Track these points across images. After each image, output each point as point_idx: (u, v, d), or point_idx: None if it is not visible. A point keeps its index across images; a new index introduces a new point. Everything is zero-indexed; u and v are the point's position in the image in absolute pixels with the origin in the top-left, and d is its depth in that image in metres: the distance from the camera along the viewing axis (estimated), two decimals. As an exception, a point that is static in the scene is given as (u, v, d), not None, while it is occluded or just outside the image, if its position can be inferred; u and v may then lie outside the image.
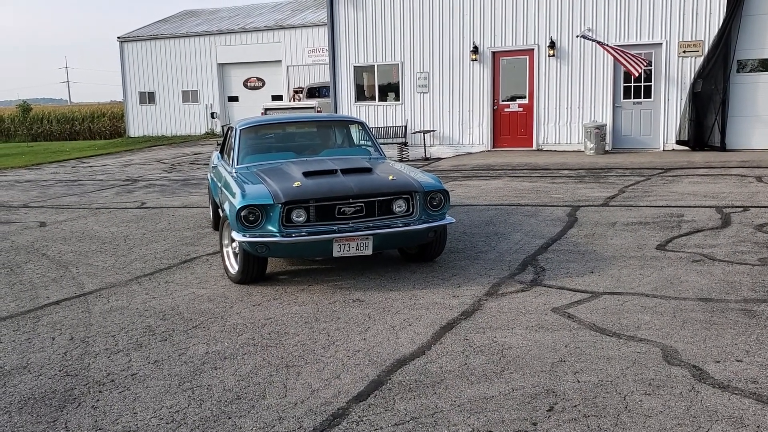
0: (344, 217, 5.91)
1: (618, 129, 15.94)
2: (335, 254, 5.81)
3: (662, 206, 9.23)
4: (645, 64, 14.90)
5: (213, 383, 4.06)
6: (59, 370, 4.36)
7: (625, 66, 14.89)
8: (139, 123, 31.40)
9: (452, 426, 3.43)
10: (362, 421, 3.52)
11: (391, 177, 6.19)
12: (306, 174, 6.21)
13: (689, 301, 5.26)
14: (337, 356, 4.42)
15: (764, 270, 6.03)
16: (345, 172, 6.30)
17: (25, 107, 38.66)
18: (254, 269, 6.10)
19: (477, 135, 17.21)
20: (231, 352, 4.57)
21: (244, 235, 5.77)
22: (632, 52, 14.89)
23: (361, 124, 8.18)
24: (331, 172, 6.30)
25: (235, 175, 6.77)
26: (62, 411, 3.77)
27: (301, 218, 5.82)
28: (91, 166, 19.13)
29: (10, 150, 27.62)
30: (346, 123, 8.59)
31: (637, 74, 14.93)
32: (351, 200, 5.89)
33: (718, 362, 4.09)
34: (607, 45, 15.24)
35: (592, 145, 15.39)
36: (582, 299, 5.43)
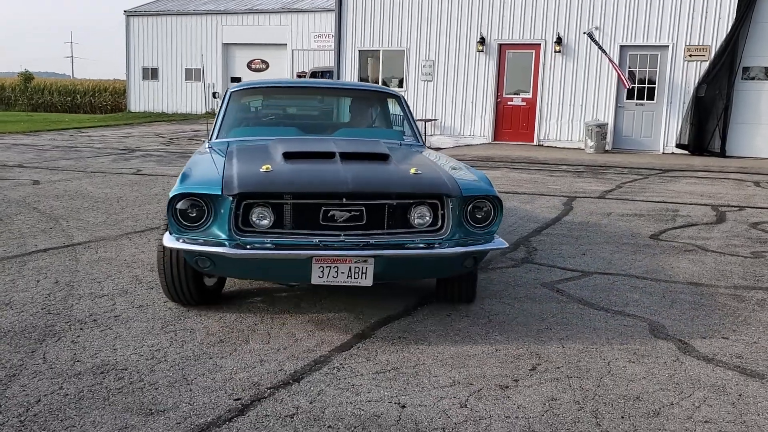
0: (333, 225, 3.91)
1: (619, 129, 15.93)
2: (315, 280, 3.88)
3: (658, 201, 9.22)
4: (629, 84, 15.38)
5: (197, 327, 4.03)
6: (41, 308, 4.32)
7: (618, 73, 15.17)
8: (141, 98, 31.26)
9: (433, 377, 3.40)
10: (343, 367, 3.49)
11: (413, 170, 4.20)
12: (287, 155, 4.30)
13: (679, 284, 5.25)
14: (323, 311, 4.39)
15: (756, 262, 6.01)
16: (347, 157, 4.35)
17: (26, 76, 38.46)
18: (187, 286, 4.26)
19: (479, 127, 17.17)
20: (217, 301, 4.53)
21: (178, 239, 3.93)
22: (623, 71, 15.38)
23: (398, 98, 6.10)
24: (325, 156, 4.36)
25: (203, 151, 5.10)
26: (41, 344, 3.73)
27: (265, 221, 3.89)
28: (89, 136, 19.03)
29: (9, 118, 27.47)
30: (376, 95, 6.34)
31: (626, 87, 15.40)
32: (344, 200, 3.89)
33: (705, 338, 4.08)
34: (606, 54, 15.32)
35: (592, 144, 15.36)
36: (572, 277, 5.41)
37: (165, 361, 3.53)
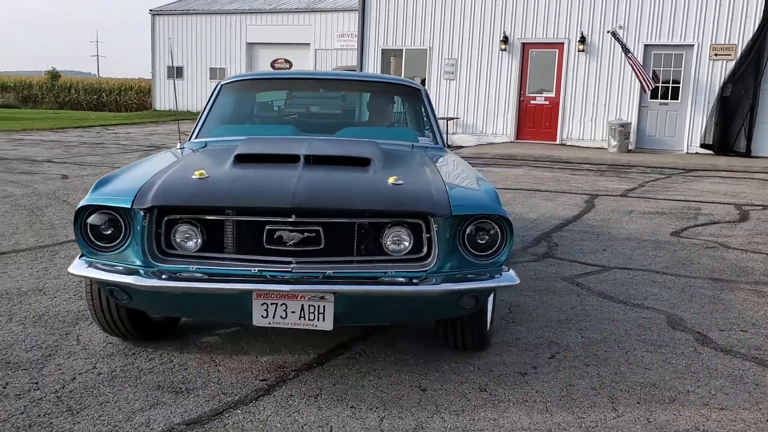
0: (282, 250, 3.06)
1: (642, 128, 15.87)
2: (258, 321, 3.07)
3: (680, 200, 9.21)
4: (652, 85, 15.17)
5: (222, 314, 4.14)
6: (74, 294, 4.46)
7: (639, 79, 15.07)
8: (166, 97, 31.62)
9: (453, 363, 3.49)
10: (365, 353, 3.59)
11: (392, 180, 3.23)
12: (240, 158, 3.54)
13: (699, 280, 5.27)
14: (345, 301, 4.48)
15: (778, 259, 6.01)
16: (316, 161, 3.52)
17: (53, 74, 39.07)
18: (120, 320, 3.49)
19: (501, 125, 17.20)
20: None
21: (88, 264, 3.15)
22: (646, 71, 15.16)
23: (417, 91, 5.21)
24: (287, 160, 3.52)
25: (166, 153, 4.26)
26: (75, 326, 3.87)
27: (191, 243, 3.10)
28: (115, 133, 19.34)
29: (37, 115, 27.98)
30: (392, 88, 5.40)
31: (647, 91, 15.26)
32: (293, 217, 3.03)
33: (723, 331, 4.12)
34: (630, 53, 15.20)
35: (615, 143, 15.33)
36: (592, 271, 5.46)
37: (193, 344, 3.65)
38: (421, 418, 2.92)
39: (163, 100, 31.69)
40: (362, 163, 3.54)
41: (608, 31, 15.68)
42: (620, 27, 15.63)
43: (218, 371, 3.31)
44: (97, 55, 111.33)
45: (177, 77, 31.13)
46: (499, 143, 16.79)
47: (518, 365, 3.50)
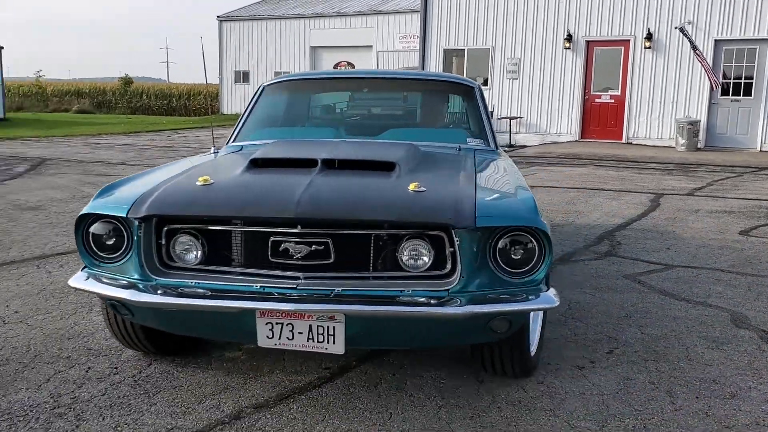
0: (288, 264, 2.81)
1: (712, 126, 15.47)
2: (263, 342, 2.83)
3: (751, 199, 8.98)
4: (719, 82, 14.99)
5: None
6: (149, 288, 4.70)
7: (707, 75, 14.78)
8: (233, 101, 32.41)
9: (511, 356, 3.54)
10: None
11: (413, 186, 2.89)
12: (254, 163, 3.32)
13: (767, 278, 5.17)
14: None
15: None
16: (337, 165, 3.25)
17: (126, 80, 40.51)
18: (134, 334, 3.34)
19: (565, 124, 17.03)
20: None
21: (88, 275, 2.98)
22: (712, 69, 14.97)
23: (470, 89, 4.75)
24: (305, 165, 3.25)
25: (191, 157, 4.12)
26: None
27: (191, 255, 2.91)
28: (185, 137, 19.97)
29: (110, 120, 29.11)
30: (442, 86, 5.03)
31: (716, 88, 15.07)
32: (299, 228, 2.77)
33: (790, 329, 4.05)
34: (697, 50, 14.86)
35: (683, 141, 14.99)
36: (655, 269, 5.42)
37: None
38: (478, 407, 3.00)
39: (230, 105, 32.48)
40: (386, 167, 3.22)
41: (676, 27, 15.36)
42: (689, 22, 15.28)
43: (284, 360, 3.46)
44: (167, 62, 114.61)
45: (243, 81, 31.89)
46: (564, 142, 16.63)
47: (576, 359, 3.54)
